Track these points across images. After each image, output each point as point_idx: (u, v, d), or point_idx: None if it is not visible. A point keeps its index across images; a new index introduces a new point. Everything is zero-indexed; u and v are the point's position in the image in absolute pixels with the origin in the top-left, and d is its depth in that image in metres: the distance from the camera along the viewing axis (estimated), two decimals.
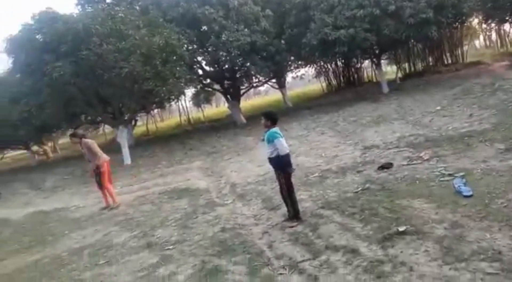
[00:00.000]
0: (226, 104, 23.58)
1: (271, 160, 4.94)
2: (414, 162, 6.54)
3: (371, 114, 12.39)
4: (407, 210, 4.53)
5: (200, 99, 33.16)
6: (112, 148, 16.25)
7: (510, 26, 23.16)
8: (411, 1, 14.10)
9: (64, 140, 37.34)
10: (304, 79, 27.49)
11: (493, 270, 3.11)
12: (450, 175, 5.47)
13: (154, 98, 16.19)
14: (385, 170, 6.39)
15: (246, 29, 16.12)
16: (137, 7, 17.32)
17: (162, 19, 15.19)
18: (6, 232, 8.09)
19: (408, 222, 4.17)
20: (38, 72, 13.31)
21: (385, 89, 17.01)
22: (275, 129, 4.88)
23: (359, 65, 25.57)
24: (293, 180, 5.09)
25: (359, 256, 3.70)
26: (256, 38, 16.11)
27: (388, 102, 13.88)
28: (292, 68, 22.77)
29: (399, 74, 22.47)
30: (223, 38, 15.86)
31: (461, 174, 5.38)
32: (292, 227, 4.76)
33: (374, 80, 24.66)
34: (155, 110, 31.47)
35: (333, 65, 25.43)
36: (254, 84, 23.34)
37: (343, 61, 23.77)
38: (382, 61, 20.42)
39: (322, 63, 24.53)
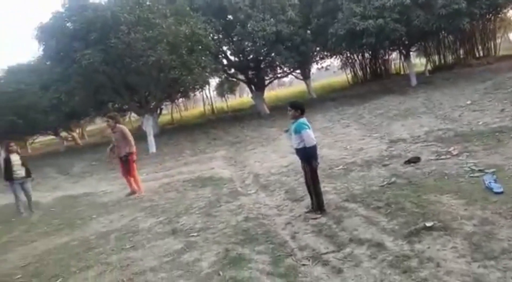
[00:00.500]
0: (250, 95, 23.60)
1: (298, 151, 4.92)
2: (443, 156, 6.38)
3: (398, 108, 12.14)
4: (434, 206, 4.43)
5: (224, 89, 33.33)
6: (137, 135, 16.57)
7: None
8: None
9: (91, 127, 38.41)
10: (329, 70, 27.10)
11: None
12: (480, 171, 5.31)
13: (179, 87, 16.40)
14: (412, 164, 6.26)
15: (271, 19, 15.99)
16: None
17: (188, 7, 15.25)
18: (36, 215, 8.42)
19: (435, 218, 4.08)
20: (67, 60, 13.64)
21: (414, 82, 16.60)
22: (303, 120, 4.84)
23: (386, 56, 25.02)
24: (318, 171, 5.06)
25: (384, 250, 3.66)
26: (282, 28, 15.96)
27: (416, 95, 13.55)
28: (317, 59, 22.47)
29: (428, 67, 21.85)
30: (248, 28, 15.80)
31: (492, 170, 5.22)
32: (315, 218, 4.74)
33: (402, 72, 24.13)
34: (180, 100, 31.78)
35: (359, 57, 24.98)
36: (279, 75, 23.22)
37: (370, 52, 23.29)
38: (411, 53, 19.87)
39: (348, 54, 24.14)
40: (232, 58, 20.10)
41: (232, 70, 21.91)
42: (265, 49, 17.22)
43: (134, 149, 7.90)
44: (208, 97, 34.90)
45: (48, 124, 22.24)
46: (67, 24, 14.15)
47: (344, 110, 14.29)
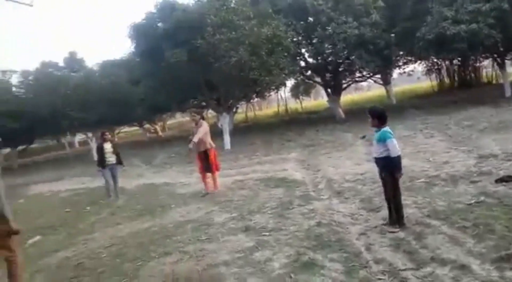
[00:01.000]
0: (325, 98, 23.27)
1: (379, 160, 4.75)
2: None
3: (490, 120, 11.16)
4: None
5: (299, 91, 33.32)
6: (212, 132, 17.20)
7: None
8: None
9: (172, 121, 40.74)
10: (411, 76, 25.79)
11: None
12: None
13: (257, 87, 16.71)
14: (504, 183, 5.71)
15: (354, 22, 15.62)
16: None
17: (270, 9, 15.49)
18: (121, 200, 9.16)
19: None
20: (156, 57, 14.63)
21: (508, 92, 15.20)
22: (387, 128, 4.67)
23: (477, 64, 23.15)
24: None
25: (469, 274, 3.40)
26: (365, 31, 15.52)
27: (510, 107, 12.36)
28: (400, 63, 21.50)
29: None
30: (329, 30, 15.60)
31: None
32: (393, 232, 4.55)
33: (495, 82, 22.19)
34: (255, 99, 32.42)
35: (447, 63, 23.41)
36: (357, 79, 22.62)
37: (459, 59, 21.71)
38: (507, 61, 18.15)
39: (434, 60, 22.74)
40: (310, 60, 20.00)
41: (309, 72, 21.80)
42: (345, 52, 16.87)
43: (213, 146, 8.09)
44: (282, 98, 35.16)
45: (135, 117, 24.06)
46: (158, 24, 15.18)
47: (427, 119, 13.48)
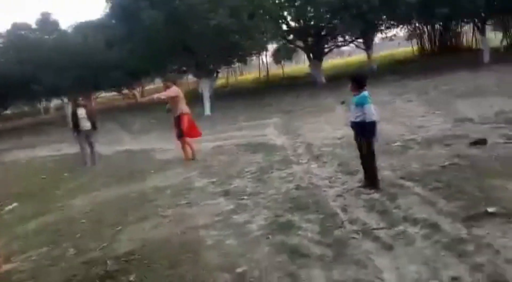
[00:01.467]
0: (307, 63, 23.09)
1: (355, 124, 4.78)
2: None
3: (468, 85, 11.34)
4: (499, 191, 4.16)
5: (281, 56, 32.87)
6: (193, 98, 16.96)
7: None
8: None
9: (150, 86, 39.88)
10: (393, 42, 25.71)
11: None
12: None
13: (238, 52, 16.38)
14: (478, 146, 5.88)
15: None
16: None
17: None
18: (100, 166, 9.05)
19: (498, 204, 3.84)
20: (132, 19, 14.05)
21: (487, 58, 15.36)
22: (366, 93, 4.67)
23: (458, 29, 23.19)
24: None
25: (439, 232, 3.53)
26: None
27: (488, 73, 12.56)
28: (382, 28, 21.33)
29: (504, 43, 19.99)
30: None
31: None
32: (368, 194, 4.65)
33: (475, 47, 22.34)
34: (236, 64, 31.91)
35: (428, 27, 23.36)
36: (339, 44, 22.43)
37: (441, 23, 21.67)
38: (487, 26, 18.22)
39: (417, 25, 22.65)
40: (292, 24, 19.63)
41: (291, 37, 21.45)
42: (327, 15, 16.59)
43: (184, 112, 7.74)
44: (264, 63, 34.72)
45: (112, 81, 23.40)
46: None
47: (407, 84, 13.59)
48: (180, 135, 7.93)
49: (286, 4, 18.16)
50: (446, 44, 23.21)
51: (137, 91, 30.90)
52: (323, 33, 19.38)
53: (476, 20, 16.80)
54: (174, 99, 7.76)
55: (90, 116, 9.13)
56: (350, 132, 5.12)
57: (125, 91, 29.65)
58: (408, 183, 4.78)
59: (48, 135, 17.47)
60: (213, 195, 5.58)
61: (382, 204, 4.33)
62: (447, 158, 5.53)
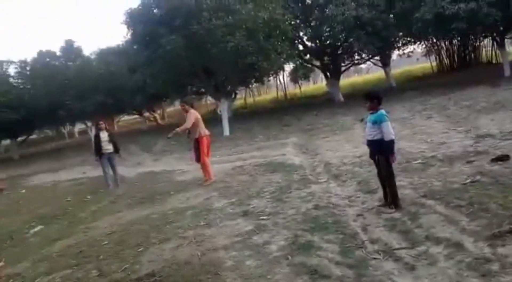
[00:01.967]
0: (324, 82, 23.16)
1: (372, 143, 4.77)
2: None
3: (488, 100, 11.13)
4: None
5: (298, 75, 33.11)
6: (212, 119, 17.21)
7: None
8: None
9: (171, 108, 40.65)
10: (411, 58, 25.59)
11: None
12: None
13: (255, 73, 16.62)
14: (500, 162, 5.74)
15: (352, 3, 15.43)
16: None
17: None
18: (121, 188, 9.22)
19: None
20: (153, 44, 14.48)
21: (507, 72, 15.10)
22: (383, 111, 4.66)
23: (477, 43, 22.93)
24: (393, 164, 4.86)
25: (463, 251, 3.45)
26: (363, 12, 15.34)
27: (509, 87, 12.31)
28: (399, 45, 21.30)
29: None
30: (327, 12, 15.43)
31: None
32: (389, 213, 4.59)
33: (494, 61, 22.00)
34: (254, 85, 32.29)
35: (446, 43, 23.19)
36: (356, 62, 22.46)
37: (459, 38, 21.50)
38: (506, 40, 17.97)
39: (434, 40, 22.53)
40: (308, 43, 19.84)
41: (308, 56, 21.65)
42: (343, 34, 16.71)
43: (202, 134, 7.79)
44: (281, 82, 35.02)
45: (134, 105, 24.01)
46: (154, 10, 14.98)
47: (426, 100, 13.44)
48: (199, 159, 7.94)
49: (302, 24, 18.44)
50: (465, 59, 22.95)
51: (157, 114, 31.63)
52: (339, 51, 19.49)
53: (494, 34, 16.61)
54: (194, 122, 7.83)
55: (112, 139, 9.36)
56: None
57: (146, 114, 30.29)
58: (429, 201, 4.69)
59: (72, 159, 17.94)
60: (233, 215, 5.59)
61: (403, 223, 4.27)
62: (469, 175, 5.42)
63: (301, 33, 19.05)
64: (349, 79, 37.95)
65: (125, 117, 36.83)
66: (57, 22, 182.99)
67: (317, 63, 21.60)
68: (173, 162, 11.84)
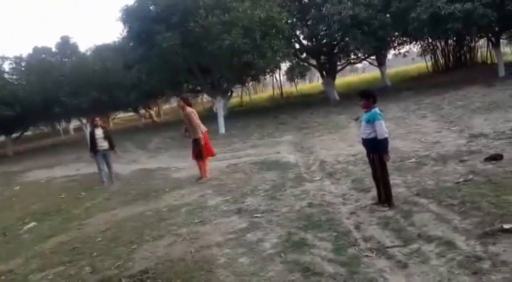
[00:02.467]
0: (320, 80, 23.20)
1: (366, 141, 4.79)
2: None
3: (483, 100, 11.21)
4: None
5: (294, 74, 33.14)
6: (208, 117, 17.19)
7: None
8: None
9: (166, 106, 40.56)
10: (407, 57, 25.68)
11: None
12: None
13: (251, 71, 16.60)
14: (494, 161, 5.79)
15: (349, 2, 15.45)
16: None
17: None
18: (116, 185, 9.19)
19: None
20: (149, 41, 14.42)
21: (502, 72, 15.18)
22: (377, 110, 4.68)
23: (472, 44, 23.04)
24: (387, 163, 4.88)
25: (454, 250, 3.48)
26: (359, 11, 15.35)
27: (504, 87, 12.40)
28: (395, 44, 21.37)
29: None
30: (324, 11, 15.43)
31: None
32: (382, 211, 4.62)
33: (489, 62, 22.12)
34: (250, 83, 32.26)
35: (442, 43, 23.29)
36: (352, 61, 22.51)
37: (454, 39, 21.60)
38: (501, 40, 18.07)
39: (429, 40, 22.61)
40: (305, 42, 19.85)
41: (304, 55, 21.66)
42: (339, 33, 16.72)
43: (200, 135, 7.75)
44: (277, 81, 35.03)
45: (129, 102, 23.90)
46: (150, 7, 14.90)
47: (421, 100, 13.51)
48: (199, 157, 7.91)
49: (298, 23, 18.43)
50: (460, 59, 23.06)
51: (153, 111, 31.54)
52: (335, 51, 19.52)
53: (490, 34, 16.70)
54: (191, 120, 7.81)
55: (107, 136, 9.33)
56: (364, 149, 5.12)
57: (142, 111, 30.19)
58: (422, 200, 4.73)
59: (67, 155, 17.85)
60: (227, 213, 5.61)
61: (396, 221, 4.30)
62: (462, 174, 5.46)
63: (297, 32, 19.04)
64: (344, 78, 38.00)
65: (121, 115, 36.70)
66: (53, 19, 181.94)
67: (313, 62, 21.62)
68: (168, 159, 11.82)
